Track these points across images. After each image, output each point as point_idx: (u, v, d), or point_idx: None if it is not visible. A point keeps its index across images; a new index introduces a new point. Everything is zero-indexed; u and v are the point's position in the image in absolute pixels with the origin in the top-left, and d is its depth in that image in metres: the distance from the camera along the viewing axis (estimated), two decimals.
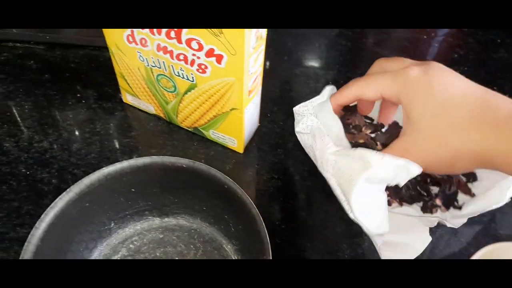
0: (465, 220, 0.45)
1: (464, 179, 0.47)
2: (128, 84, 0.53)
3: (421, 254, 0.43)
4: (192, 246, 0.43)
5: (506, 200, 0.42)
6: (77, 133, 0.54)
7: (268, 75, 0.49)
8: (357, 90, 0.39)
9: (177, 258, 0.42)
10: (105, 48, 0.63)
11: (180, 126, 0.54)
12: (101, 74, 0.60)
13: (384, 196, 0.39)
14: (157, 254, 0.42)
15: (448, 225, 0.45)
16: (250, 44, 0.39)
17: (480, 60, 0.65)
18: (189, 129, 0.54)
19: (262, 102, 0.53)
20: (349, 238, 0.46)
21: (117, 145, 0.53)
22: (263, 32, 0.41)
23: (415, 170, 0.36)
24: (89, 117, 0.55)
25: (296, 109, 0.46)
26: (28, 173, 0.50)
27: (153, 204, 0.43)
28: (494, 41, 0.68)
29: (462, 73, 0.62)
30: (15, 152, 0.51)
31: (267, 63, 0.63)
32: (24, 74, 0.60)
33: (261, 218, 0.36)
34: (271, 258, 0.34)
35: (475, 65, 0.64)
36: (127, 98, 0.56)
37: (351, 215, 0.39)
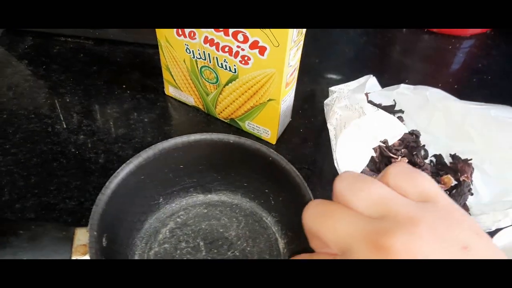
0: None
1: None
2: (172, 76, 0.57)
3: None
4: (234, 219, 0.46)
5: (492, 229, 0.44)
6: (122, 119, 0.58)
7: (301, 76, 0.53)
8: None
9: (221, 230, 0.45)
10: (148, 45, 0.68)
11: (217, 117, 0.58)
12: (144, 69, 0.65)
13: (369, 153, 0.43)
14: (203, 226, 0.46)
15: None
16: (293, 38, 0.43)
17: (503, 71, 0.68)
18: (226, 121, 0.57)
19: (294, 100, 0.56)
20: None
21: (158, 132, 0.57)
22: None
23: (402, 128, 0.41)
24: (133, 106, 0.60)
25: (332, 88, 0.50)
26: (77, 152, 0.54)
27: (197, 181, 0.47)
28: None
29: (485, 82, 0.65)
30: (65, 134, 0.56)
31: (300, 65, 0.67)
32: (74, 66, 0.65)
33: (305, 184, 0.39)
34: None
35: (498, 75, 0.67)
36: (169, 90, 0.60)
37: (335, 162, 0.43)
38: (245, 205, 0.47)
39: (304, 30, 0.46)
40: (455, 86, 0.65)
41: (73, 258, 0.37)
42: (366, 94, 0.58)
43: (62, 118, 0.58)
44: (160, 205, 0.46)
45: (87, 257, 0.36)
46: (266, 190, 0.44)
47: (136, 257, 0.43)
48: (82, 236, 0.37)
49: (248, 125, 0.55)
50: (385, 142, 0.48)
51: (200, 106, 0.58)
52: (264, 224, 0.45)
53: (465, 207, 0.49)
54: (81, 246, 0.37)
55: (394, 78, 0.65)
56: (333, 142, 0.45)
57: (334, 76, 0.66)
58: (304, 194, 0.38)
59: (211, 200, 0.47)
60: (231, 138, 0.43)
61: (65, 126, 0.57)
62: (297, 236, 0.41)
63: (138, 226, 0.44)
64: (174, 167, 0.44)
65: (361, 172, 0.51)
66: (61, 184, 0.51)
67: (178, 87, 0.58)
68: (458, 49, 0.71)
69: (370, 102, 0.58)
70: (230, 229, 0.45)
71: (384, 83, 0.61)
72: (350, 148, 0.43)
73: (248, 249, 0.44)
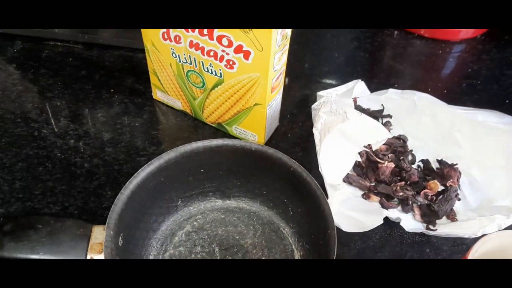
0: (419, 230, 0.47)
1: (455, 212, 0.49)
2: (159, 81, 0.57)
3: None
4: (251, 227, 0.46)
5: (478, 235, 0.44)
6: (109, 124, 0.58)
7: (290, 82, 0.53)
8: None
9: (237, 237, 0.45)
10: (138, 49, 0.68)
11: (204, 122, 0.58)
12: (133, 73, 0.65)
13: (353, 158, 0.42)
14: (219, 232, 0.46)
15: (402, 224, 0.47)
16: (276, 42, 0.43)
17: (493, 76, 0.68)
18: (213, 125, 0.57)
19: (282, 105, 0.56)
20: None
21: (145, 137, 0.56)
22: (288, 31, 0.45)
23: (385, 133, 0.41)
24: (121, 111, 0.60)
25: (320, 93, 0.50)
26: (62, 157, 0.54)
27: (217, 186, 0.47)
28: (507, 59, 0.70)
29: (475, 87, 0.65)
30: (52, 138, 0.56)
31: (289, 70, 0.66)
32: (63, 70, 0.65)
33: (325, 197, 0.39)
34: (335, 232, 0.37)
35: (488, 80, 0.67)
36: (157, 95, 0.60)
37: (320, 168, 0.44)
38: (263, 214, 0.47)
39: (289, 34, 0.45)
40: (445, 91, 0.64)
41: (89, 256, 0.37)
42: (355, 99, 0.58)
43: (49, 123, 0.57)
44: (178, 207, 0.46)
45: (102, 256, 0.36)
46: (285, 200, 0.44)
47: (151, 258, 0.43)
48: (99, 234, 0.37)
49: (235, 130, 0.55)
50: (369, 147, 0.48)
51: (188, 111, 0.58)
52: (281, 234, 0.45)
53: (452, 213, 0.49)
54: (97, 244, 0.37)
55: (384, 82, 0.65)
56: (317, 147, 0.45)
57: (324, 81, 0.66)
58: (323, 207, 0.38)
59: (229, 206, 0.47)
60: (253, 145, 0.43)
61: (51, 130, 0.56)
62: (314, 249, 0.41)
63: (155, 227, 0.44)
64: (194, 170, 0.44)
65: (348, 177, 0.51)
66: (46, 188, 0.50)
67: (166, 91, 0.58)
68: (448, 54, 0.71)
69: (358, 106, 0.58)
70: (246, 237, 0.45)
71: (374, 88, 0.61)
72: (333, 153, 0.43)
73: (263, 258, 0.43)
